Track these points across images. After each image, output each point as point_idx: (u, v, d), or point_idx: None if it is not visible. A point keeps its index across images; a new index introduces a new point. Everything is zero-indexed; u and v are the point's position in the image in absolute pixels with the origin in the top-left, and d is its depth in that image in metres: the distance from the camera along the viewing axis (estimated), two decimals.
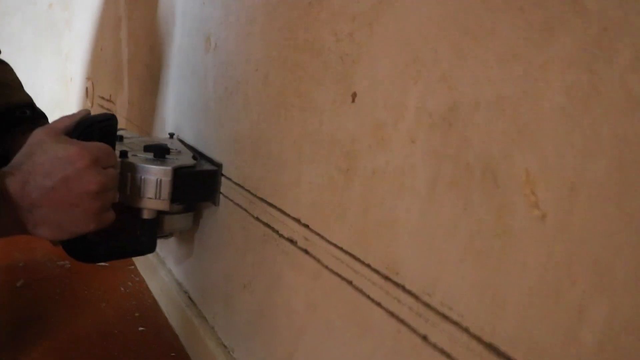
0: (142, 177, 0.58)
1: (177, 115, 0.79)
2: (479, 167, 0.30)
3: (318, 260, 0.45)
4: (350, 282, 0.41)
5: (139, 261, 0.95)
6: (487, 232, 0.29)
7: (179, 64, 0.76)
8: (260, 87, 0.53)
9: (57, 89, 1.79)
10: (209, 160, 0.67)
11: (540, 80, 0.26)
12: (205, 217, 0.69)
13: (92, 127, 0.52)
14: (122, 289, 0.87)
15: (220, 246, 0.65)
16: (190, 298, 0.74)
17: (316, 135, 0.44)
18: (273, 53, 0.50)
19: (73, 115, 0.52)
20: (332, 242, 0.43)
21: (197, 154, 0.70)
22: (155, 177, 0.58)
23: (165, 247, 0.87)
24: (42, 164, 0.46)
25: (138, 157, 0.60)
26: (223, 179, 0.63)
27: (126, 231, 0.62)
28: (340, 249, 0.42)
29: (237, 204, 0.59)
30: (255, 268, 0.56)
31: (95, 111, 1.38)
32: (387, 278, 0.37)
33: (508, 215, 0.28)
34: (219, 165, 0.64)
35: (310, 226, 0.46)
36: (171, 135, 0.77)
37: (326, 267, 0.44)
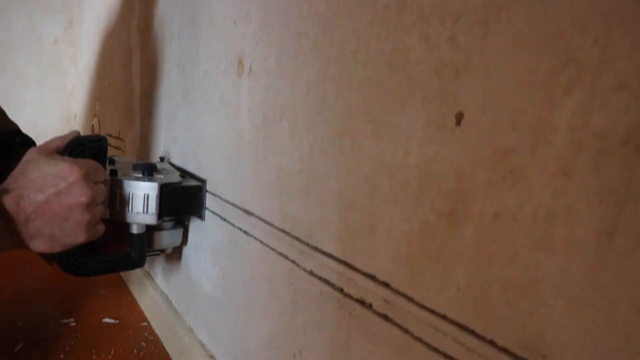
0: (130, 192, 0.61)
1: (200, 151, 0.70)
2: None
3: (405, 330, 0.35)
4: None
5: (154, 317, 0.84)
6: None
7: (204, 93, 0.67)
8: (313, 112, 0.44)
9: (61, 126, 1.72)
10: (239, 207, 0.57)
11: None
12: (238, 271, 0.59)
13: (82, 146, 0.55)
14: (135, 351, 0.76)
15: (258, 304, 0.54)
16: None
17: (399, 169, 0.35)
18: (332, 70, 0.42)
19: (65, 136, 0.55)
20: (427, 307, 0.33)
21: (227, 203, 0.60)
22: (142, 192, 0.61)
23: (186, 301, 0.76)
24: (35, 180, 0.48)
25: (127, 175, 0.63)
26: (261, 224, 0.53)
27: (117, 247, 0.65)
28: (443, 316, 0.32)
29: (281, 254, 0.49)
30: (309, 333, 0.45)
31: None
32: None
33: None
34: (204, 181, 0.67)
35: (391, 285, 0.36)
36: (162, 158, 0.80)
37: (419, 339, 0.34)
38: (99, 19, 1.35)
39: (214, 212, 0.65)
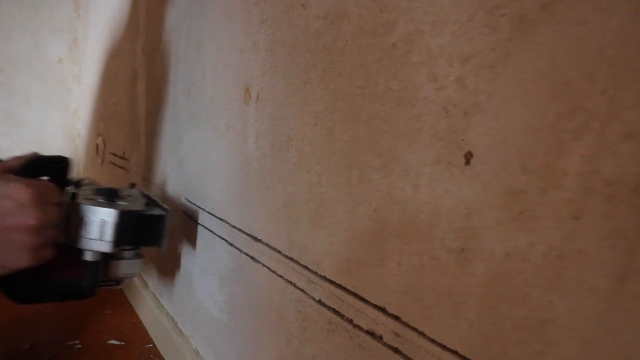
0: (86, 217, 0.58)
1: (206, 175, 0.70)
2: None
3: None
4: None
5: (160, 339, 0.84)
6: None
7: (210, 118, 0.68)
8: (321, 143, 0.45)
9: (64, 145, 1.72)
10: (245, 233, 0.58)
11: None
12: (245, 297, 0.59)
13: (40, 167, 0.54)
14: None
15: (266, 330, 0.55)
16: None
17: (408, 204, 0.36)
18: (340, 103, 0.42)
19: (24, 156, 0.55)
20: (438, 342, 0.33)
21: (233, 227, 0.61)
22: (99, 218, 0.58)
23: (191, 323, 0.76)
24: None
25: (86, 199, 0.60)
26: (269, 251, 0.53)
27: (69, 273, 0.61)
28: (454, 352, 0.32)
29: (290, 282, 0.50)
30: None
31: (106, 169, 1.30)
32: None
33: None
34: (167, 210, 0.66)
35: (401, 318, 0.36)
36: (132, 185, 0.78)
37: None
38: (104, 39, 1.37)
39: (220, 237, 0.65)
